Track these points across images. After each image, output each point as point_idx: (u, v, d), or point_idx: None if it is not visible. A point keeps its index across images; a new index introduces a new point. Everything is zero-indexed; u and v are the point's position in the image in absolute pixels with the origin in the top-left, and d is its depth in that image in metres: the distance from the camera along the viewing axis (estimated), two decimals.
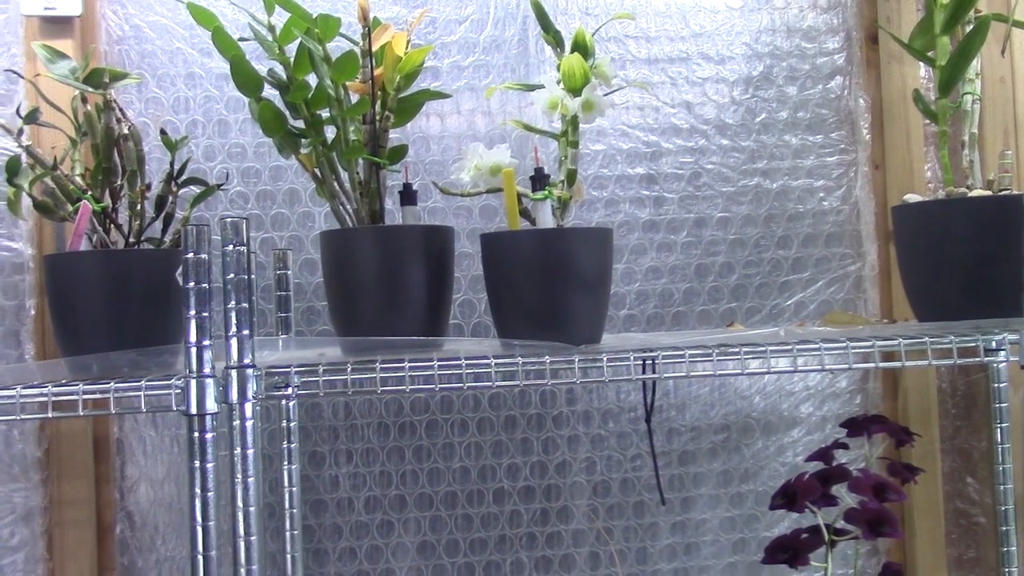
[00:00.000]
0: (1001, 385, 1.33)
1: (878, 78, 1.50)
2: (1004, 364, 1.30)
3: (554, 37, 1.09)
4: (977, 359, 1.02)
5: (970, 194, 1.10)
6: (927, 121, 1.44)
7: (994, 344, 1.02)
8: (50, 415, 0.89)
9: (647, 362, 1.00)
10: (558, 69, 1.06)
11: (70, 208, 1.04)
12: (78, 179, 1.06)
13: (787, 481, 1.14)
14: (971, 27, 1.11)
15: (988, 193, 1.10)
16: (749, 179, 1.47)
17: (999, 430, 1.33)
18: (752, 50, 1.48)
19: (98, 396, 0.90)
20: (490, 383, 0.95)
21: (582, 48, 1.05)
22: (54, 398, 0.89)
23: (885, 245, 1.49)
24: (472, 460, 1.41)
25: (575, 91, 1.04)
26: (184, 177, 1.13)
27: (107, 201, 1.06)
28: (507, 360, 0.96)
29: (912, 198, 1.16)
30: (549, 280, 1.00)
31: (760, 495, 1.46)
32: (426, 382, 0.95)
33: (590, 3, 1.45)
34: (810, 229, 1.49)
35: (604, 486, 1.43)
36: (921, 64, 1.45)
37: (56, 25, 1.29)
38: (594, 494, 1.43)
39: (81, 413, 0.89)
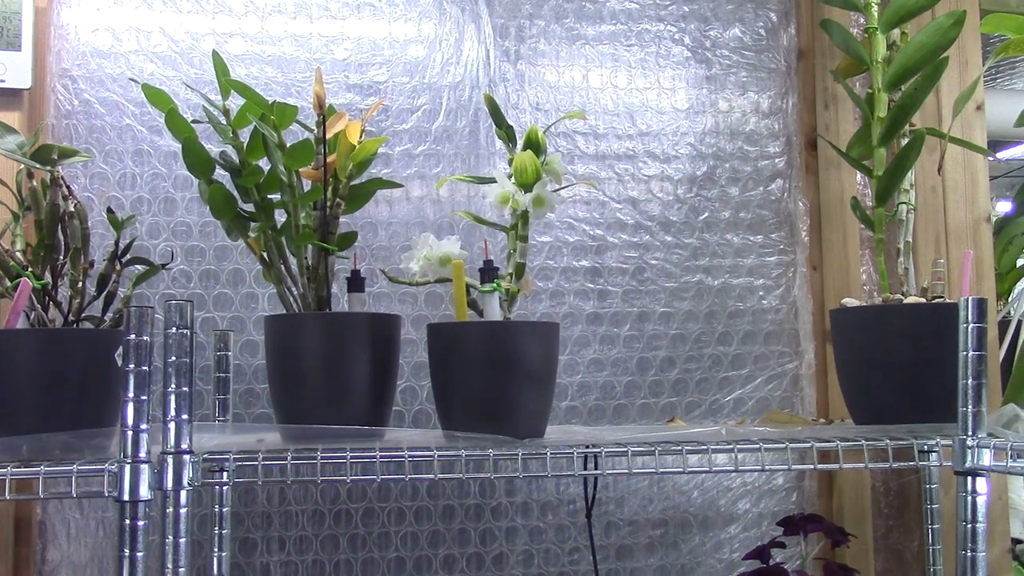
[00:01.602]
0: (933, 487, 1.35)
1: (816, 183, 1.55)
2: (936, 467, 1.32)
3: (506, 132, 1.11)
4: (912, 462, 1.04)
5: (905, 300, 1.14)
6: (863, 225, 1.49)
7: (926, 447, 1.04)
8: None
9: (590, 457, 1.01)
10: (510, 163, 1.08)
11: (8, 284, 1.02)
12: (19, 255, 1.04)
13: None
14: (907, 140, 1.16)
15: (922, 300, 1.14)
16: (691, 275, 1.50)
17: (930, 531, 1.35)
18: (696, 151, 1.52)
19: (26, 477, 0.87)
20: (432, 475, 0.94)
21: (534, 145, 1.07)
22: None
23: (822, 345, 1.52)
24: (408, 550, 1.38)
25: (527, 187, 1.05)
26: (128, 256, 1.12)
27: (47, 278, 1.04)
28: (450, 452, 0.95)
29: (850, 302, 1.19)
30: (496, 372, 1.00)
31: None
32: (367, 471, 0.94)
33: (541, 98, 1.48)
34: (750, 326, 1.51)
35: None
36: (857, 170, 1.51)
37: (5, 97, 1.27)
38: None
39: (7, 497, 0.86)
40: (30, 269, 1.03)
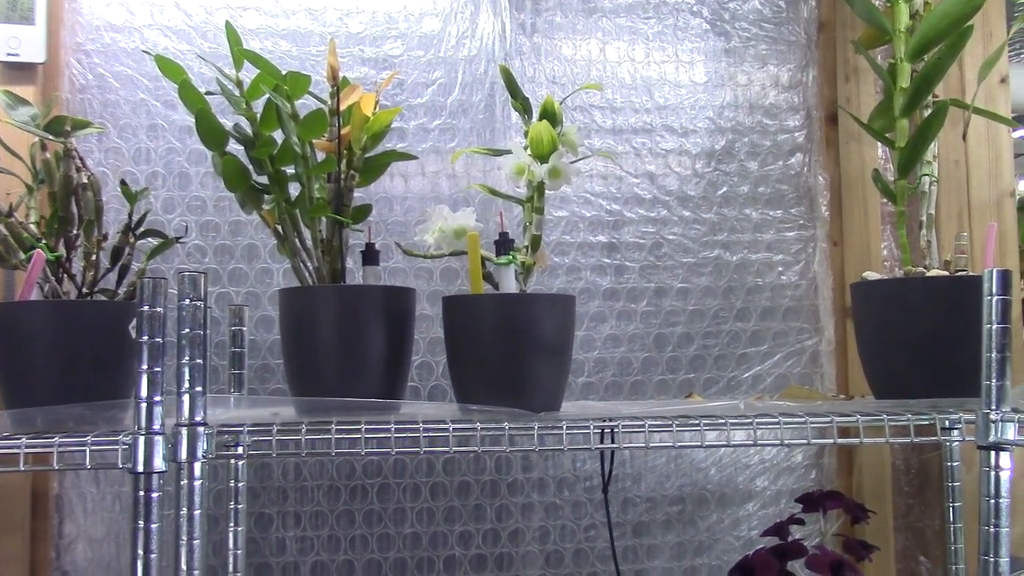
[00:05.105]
0: (954, 464, 1.34)
1: (837, 157, 1.53)
2: (958, 443, 1.31)
3: (522, 104, 1.10)
4: (933, 438, 1.02)
5: (927, 274, 1.12)
6: (884, 200, 1.47)
7: (948, 423, 1.03)
8: None
9: (606, 431, 0.99)
10: (525, 135, 1.06)
11: (22, 256, 1.01)
12: (32, 227, 1.04)
13: (744, 556, 1.12)
14: (929, 111, 1.14)
15: (945, 273, 1.12)
16: (709, 251, 1.48)
17: (952, 509, 1.34)
18: (715, 124, 1.50)
19: (40, 450, 0.87)
20: (447, 448, 0.94)
21: (550, 116, 1.05)
22: None
23: (842, 321, 1.50)
24: (424, 526, 1.38)
25: (542, 158, 1.04)
26: (142, 229, 1.11)
27: (61, 251, 1.03)
28: (465, 425, 0.94)
29: (871, 275, 1.18)
30: (511, 345, 0.99)
31: (714, 569, 1.45)
32: (382, 445, 0.93)
33: (557, 72, 1.47)
34: (768, 303, 1.50)
35: (557, 556, 1.41)
36: (878, 144, 1.48)
37: (19, 71, 1.27)
38: (547, 564, 1.41)
39: (22, 468, 0.86)
40: (44, 241, 1.02)
